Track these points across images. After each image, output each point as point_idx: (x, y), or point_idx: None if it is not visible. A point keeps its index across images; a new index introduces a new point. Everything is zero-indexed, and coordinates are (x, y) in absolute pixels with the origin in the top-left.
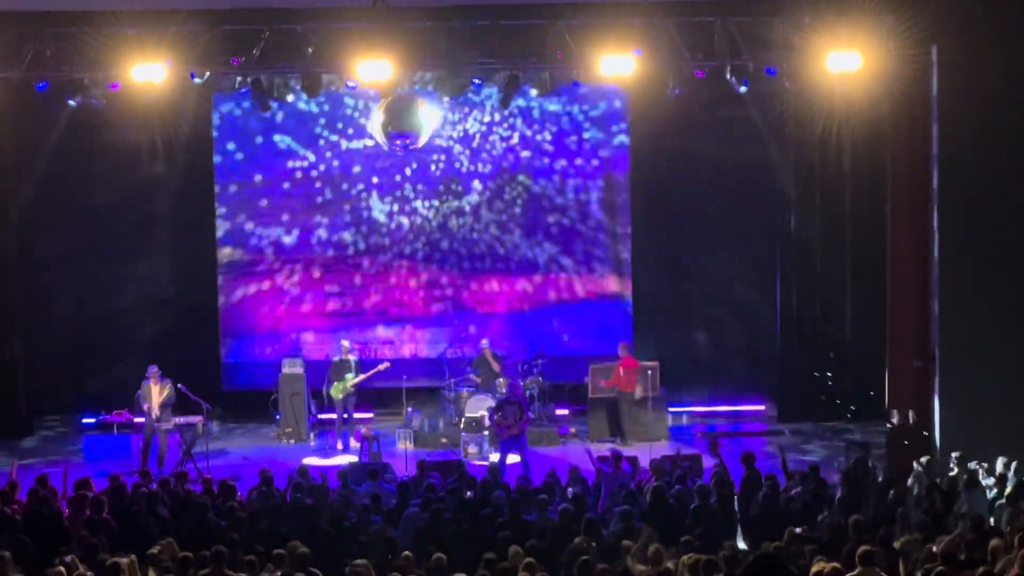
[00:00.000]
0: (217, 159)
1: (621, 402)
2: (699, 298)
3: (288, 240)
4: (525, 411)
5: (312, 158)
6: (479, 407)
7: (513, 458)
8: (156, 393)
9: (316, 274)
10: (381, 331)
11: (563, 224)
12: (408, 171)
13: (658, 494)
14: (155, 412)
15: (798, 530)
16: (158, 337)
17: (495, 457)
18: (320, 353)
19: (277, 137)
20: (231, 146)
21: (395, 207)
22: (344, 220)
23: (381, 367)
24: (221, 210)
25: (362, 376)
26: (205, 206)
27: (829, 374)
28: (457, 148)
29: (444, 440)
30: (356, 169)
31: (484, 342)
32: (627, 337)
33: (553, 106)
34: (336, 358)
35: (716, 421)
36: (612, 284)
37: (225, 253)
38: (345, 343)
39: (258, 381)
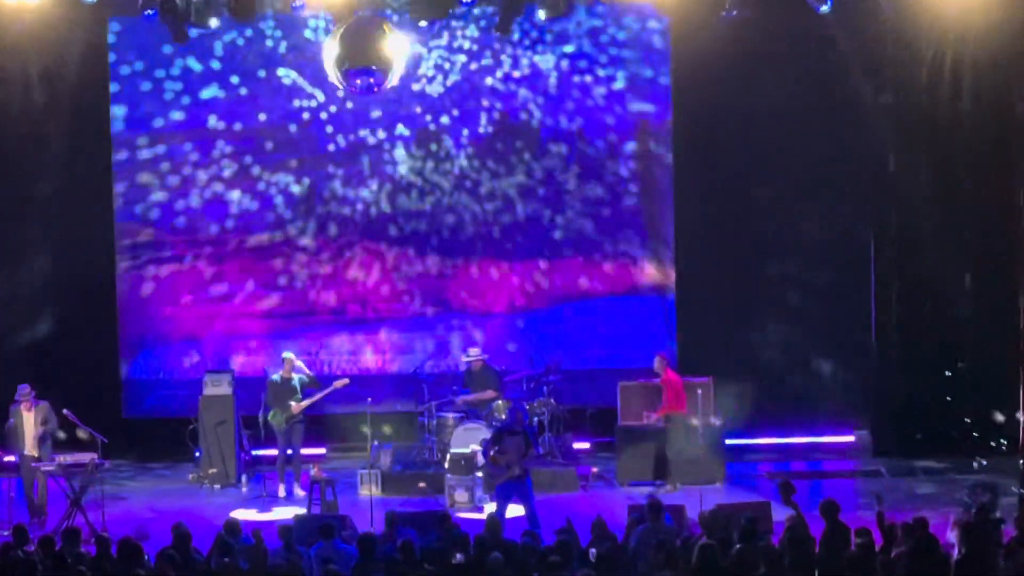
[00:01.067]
0: (114, 107)
1: (671, 432)
2: (765, 293)
3: (210, 214)
4: (532, 444)
5: (241, 101)
6: (470, 440)
7: (515, 508)
8: (30, 422)
9: (249, 260)
10: (337, 338)
11: (582, 193)
12: (373, 121)
13: (708, 555)
14: (29, 447)
15: None
16: (33, 346)
17: (492, 507)
18: (256, 367)
19: (195, 68)
20: (132, 89)
21: (354, 170)
22: (286, 187)
23: (337, 385)
24: (119, 174)
25: (311, 399)
26: (97, 168)
27: (949, 398)
28: (438, 91)
29: (422, 485)
30: (305, 117)
31: (474, 351)
32: (668, 345)
33: (569, 33)
34: (275, 375)
35: (789, 458)
36: (648, 274)
37: (125, 232)
38: (289, 355)
39: (171, 405)
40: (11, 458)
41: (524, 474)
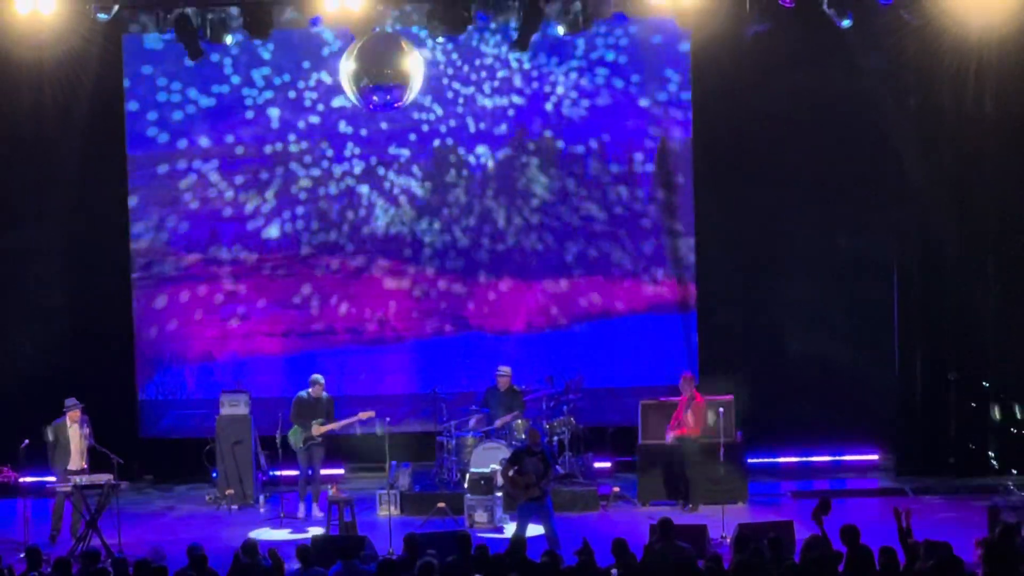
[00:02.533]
0: (129, 124)
1: (686, 452)
2: (787, 308)
3: (226, 233)
4: (550, 465)
5: (255, 116)
6: (489, 459)
7: (535, 529)
8: (77, 435)
9: (265, 279)
10: (352, 357)
11: (601, 210)
12: (390, 138)
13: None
14: (75, 461)
15: None
16: (47, 366)
17: (512, 528)
18: (272, 387)
19: (209, 95)
20: (148, 107)
21: (373, 187)
22: (303, 204)
23: (362, 416)
24: (134, 193)
25: (333, 425)
26: (112, 186)
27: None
28: (456, 107)
29: (442, 505)
30: (318, 135)
31: (504, 370)
32: (689, 363)
33: (587, 50)
34: (303, 393)
35: (811, 475)
36: (669, 291)
37: (141, 250)
38: (317, 378)
39: (188, 425)
40: (28, 479)
41: (543, 495)
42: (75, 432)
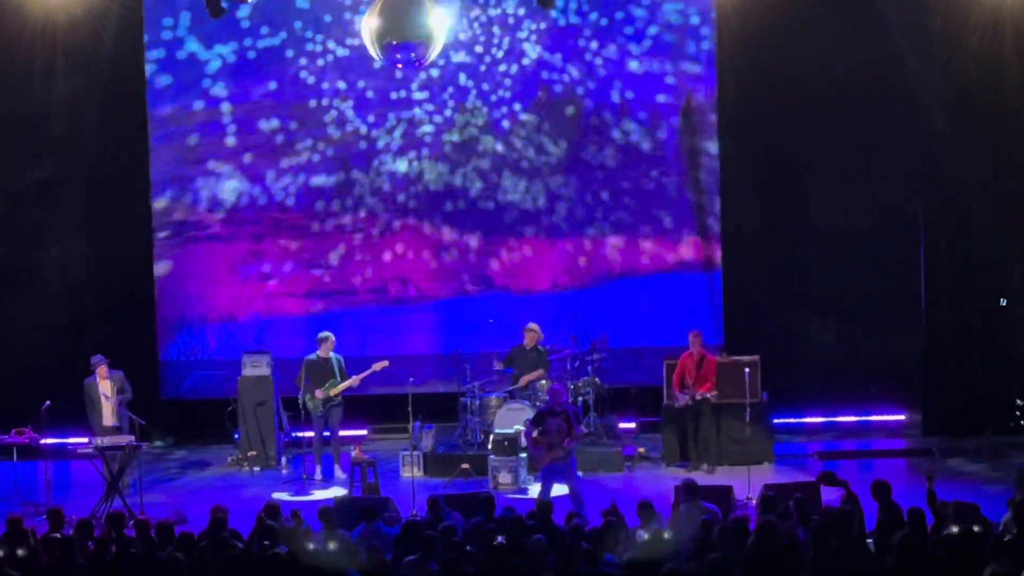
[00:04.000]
0: (148, 82)
1: (706, 412)
2: (813, 269)
3: (248, 191)
4: (574, 425)
5: (277, 75)
6: (513, 420)
7: (559, 489)
8: (107, 391)
9: (288, 239)
10: (374, 317)
11: (626, 169)
12: (413, 96)
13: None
14: (107, 418)
15: None
16: (66, 327)
17: (536, 489)
18: (295, 347)
19: (227, 49)
20: (170, 65)
21: (395, 145)
22: (324, 163)
23: (377, 367)
24: (156, 152)
25: (351, 380)
26: (133, 146)
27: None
28: (479, 64)
29: (465, 466)
30: (341, 92)
31: (532, 326)
32: (716, 324)
33: (613, 7)
34: (312, 355)
35: (837, 436)
36: (694, 251)
37: (163, 210)
38: (327, 335)
39: (209, 386)
40: (50, 440)
41: (567, 455)
42: (106, 388)
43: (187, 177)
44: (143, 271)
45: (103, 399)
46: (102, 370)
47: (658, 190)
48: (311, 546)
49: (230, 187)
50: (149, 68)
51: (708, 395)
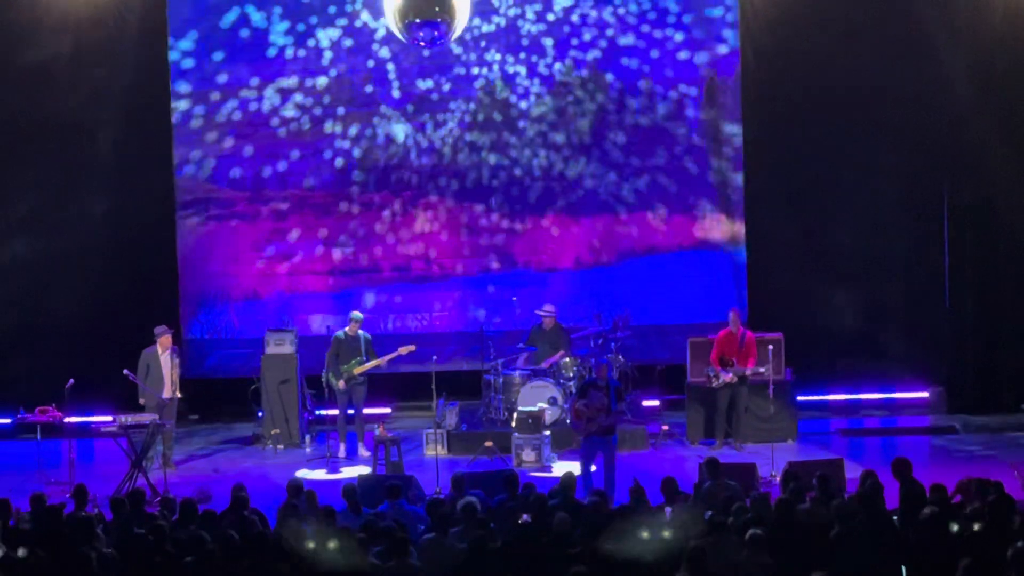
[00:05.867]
0: (174, 58)
1: (741, 390)
2: (837, 244)
3: (271, 168)
4: (612, 401)
5: (302, 52)
6: (536, 398)
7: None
8: (168, 363)
9: (311, 216)
10: (398, 295)
11: (649, 144)
12: (436, 72)
13: (785, 510)
14: (168, 390)
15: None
16: (89, 306)
17: (562, 467)
18: (319, 325)
19: (256, 19)
20: (192, 35)
21: (420, 123)
22: (350, 140)
23: (403, 351)
24: (179, 126)
25: (376, 361)
26: (156, 121)
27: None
28: (502, 40)
29: (489, 444)
30: (367, 70)
31: (548, 307)
32: (739, 301)
33: None
34: (339, 333)
35: (862, 414)
36: (718, 228)
37: (186, 186)
38: (356, 314)
39: (233, 364)
40: (74, 419)
41: (606, 431)
42: (167, 360)
43: (211, 153)
44: (166, 249)
45: (163, 370)
46: (165, 340)
47: (682, 167)
48: (309, 544)
49: (254, 163)
50: (173, 40)
51: (761, 370)
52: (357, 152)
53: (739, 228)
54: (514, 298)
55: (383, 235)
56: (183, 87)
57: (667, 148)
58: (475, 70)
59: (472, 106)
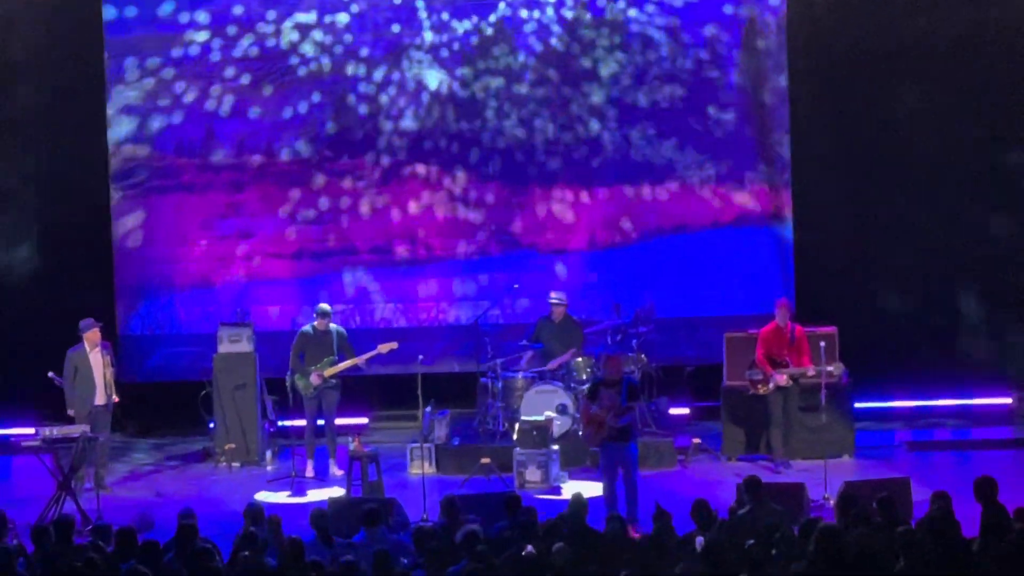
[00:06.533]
0: (109, 10)
1: (791, 396)
2: (901, 222)
3: (224, 133)
4: (625, 400)
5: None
6: (542, 405)
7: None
8: (99, 364)
9: (273, 189)
10: (377, 282)
11: (679, 102)
12: (421, 19)
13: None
14: (100, 396)
15: None
16: (12, 296)
17: (572, 487)
18: (282, 319)
19: None
20: None
21: (402, 76)
22: (318, 98)
23: (383, 349)
24: (115, 86)
25: (351, 361)
26: (88, 79)
27: None
28: None
29: (486, 461)
30: (340, 17)
31: (557, 295)
32: (786, 288)
33: None
34: (307, 327)
35: (931, 423)
36: (759, 200)
37: (123, 156)
38: (324, 307)
39: (178, 366)
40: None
41: (619, 435)
42: (97, 359)
43: (151, 116)
44: (99, 229)
45: (94, 372)
46: (92, 335)
47: (717, 130)
48: None
49: (203, 127)
50: None
51: (830, 370)
52: (329, 111)
53: (785, 200)
54: (516, 285)
55: (359, 210)
56: (118, 35)
57: (700, 107)
58: (474, 18)
59: (466, 54)
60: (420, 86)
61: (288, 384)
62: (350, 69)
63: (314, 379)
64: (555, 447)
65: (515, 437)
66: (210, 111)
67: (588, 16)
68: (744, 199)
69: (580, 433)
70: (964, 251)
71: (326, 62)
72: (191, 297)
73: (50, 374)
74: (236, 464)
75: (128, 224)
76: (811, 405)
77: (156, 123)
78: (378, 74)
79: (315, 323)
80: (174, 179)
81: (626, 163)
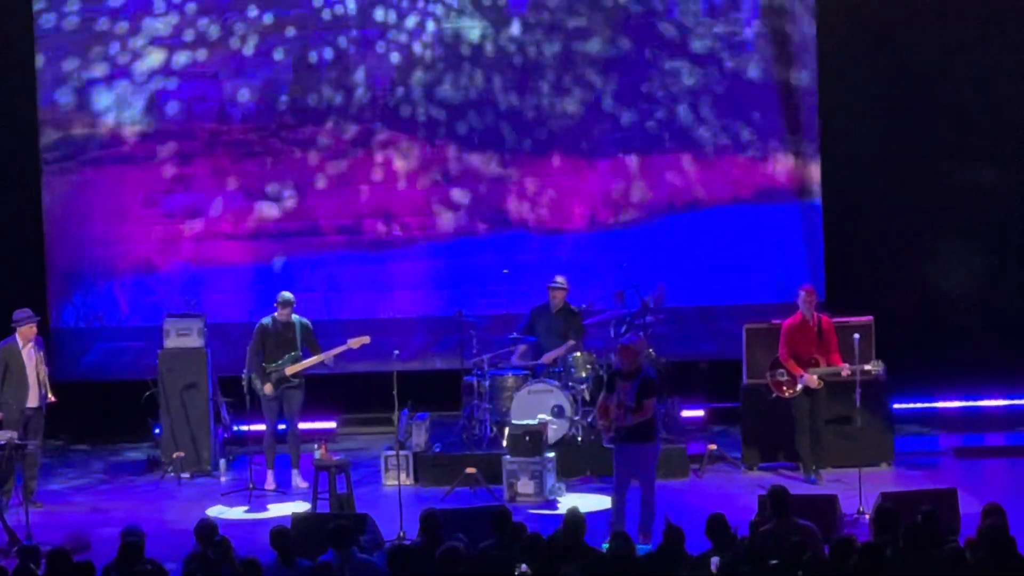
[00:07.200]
0: None
1: (820, 397)
2: (945, 198)
3: (171, 96)
4: (643, 395)
5: None
6: (536, 407)
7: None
8: (33, 361)
9: (226, 159)
10: (348, 266)
11: (689, 65)
12: None
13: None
14: (33, 398)
15: None
16: None
17: (569, 500)
18: (238, 309)
19: None
20: None
21: (373, 35)
22: (279, 56)
23: (353, 343)
24: (44, 41)
25: (317, 358)
26: (12, 34)
27: None
28: None
29: (471, 471)
30: None
31: (560, 281)
32: (814, 273)
33: None
34: (266, 319)
35: (981, 428)
36: (784, 172)
37: (53, 121)
38: (286, 295)
39: (119, 363)
40: None
41: (635, 436)
42: (30, 356)
43: (86, 75)
44: (26, 207)
45: (27, 370)
46: (27, 330)
47: (735, 91)
48: None
49: (146, 88)
50: None
51: (868, 368)
52: (291, 71)
53: (813, 172)
54: (505, 270)
55: (325, 185)
56: None
57: (715, 66)
58: None
59: (449, 9)
60: (395, 44)
61: (245, 384)
62: (313, 23)
63: (267, 389)
64: (550, 455)
65: (504, 443)
66: (152, 71)
67: None
68: (766, 171)
69: (599, 425)
70: (1014, 233)
71: (285, 22)
72: (133, 284)
73: None
74: (186, 475)
75: (60, 200)
76: (844, 414)
77: (92, 85)
78: (347, 30)
79: (276, 314)
80: (113, 149)
81: (631, 133)
